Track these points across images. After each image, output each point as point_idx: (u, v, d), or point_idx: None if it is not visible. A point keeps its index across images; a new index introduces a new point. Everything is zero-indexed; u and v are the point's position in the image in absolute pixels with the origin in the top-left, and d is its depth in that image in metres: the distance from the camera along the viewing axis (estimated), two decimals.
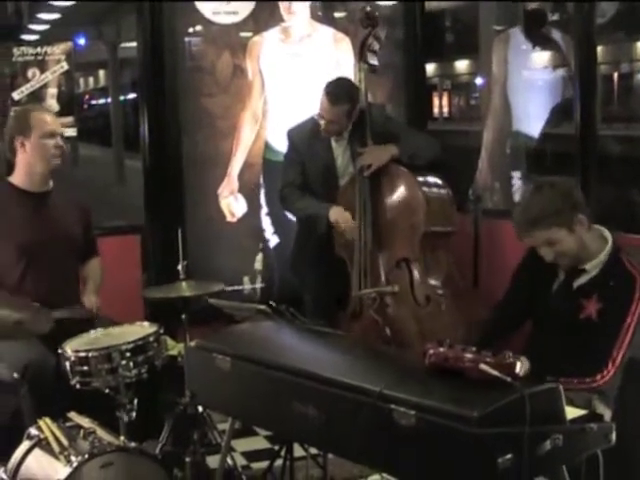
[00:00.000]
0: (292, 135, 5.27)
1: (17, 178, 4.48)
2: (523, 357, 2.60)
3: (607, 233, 3.56)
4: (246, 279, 6.03)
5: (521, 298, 3.79)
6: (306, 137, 5.19)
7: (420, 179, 4.96)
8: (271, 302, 3.87)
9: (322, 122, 5.03)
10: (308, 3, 6.03)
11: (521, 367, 2.57)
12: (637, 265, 3.49)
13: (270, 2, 5.97)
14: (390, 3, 6.39)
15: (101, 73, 35.60)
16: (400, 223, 4.90)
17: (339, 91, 5.01)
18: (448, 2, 20.59)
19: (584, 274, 3.54)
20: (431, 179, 5.05)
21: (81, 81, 34.60)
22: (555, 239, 3.44)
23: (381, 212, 4.93)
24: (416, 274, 4.88)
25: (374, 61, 5.00)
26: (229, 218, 5.99)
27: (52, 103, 5.63)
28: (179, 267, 4.46)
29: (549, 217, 3.42)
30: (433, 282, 4.93)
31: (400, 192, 4.93)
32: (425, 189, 4.93)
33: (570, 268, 3.56)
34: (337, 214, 4.95)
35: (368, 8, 5.12)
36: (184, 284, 4.43)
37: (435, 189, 5.04)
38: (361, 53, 4.99)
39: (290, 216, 5.84)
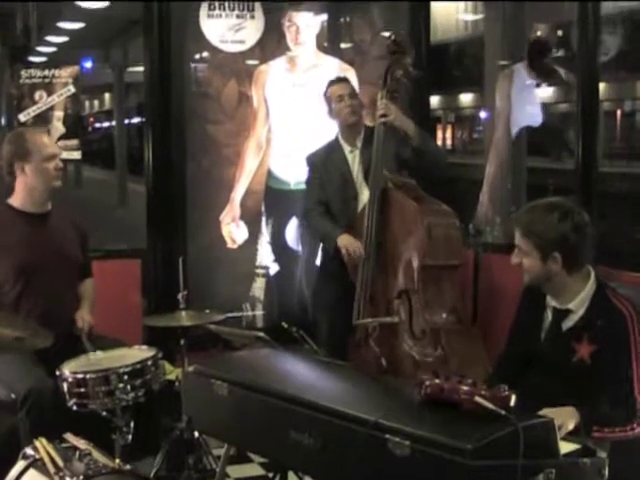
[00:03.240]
0: (310, 157, 5.35)
1: (17, 200, 4.50)
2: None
3: (590, 270, 3.51)
4: (246, 306, 6.04)
5: (522, 351, 3.73)
6: (322, 154, 5.29)
7: (425, 209, 4.93)
8: (283, 323, 3.90)
9: (344, 106, 5.15)
10: (314, 34, 6.07)
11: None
12: (625, 300, 3.44)
13: (277, 32, 6.01)
14: None
15: (106, 96, 35.78)
16: (402, 253, 4.89)
17: (337, 77, 5.40)
18: (454, 35, 20.71)
19: (571, 314, 3.48)
20: (438, 209, 5.00)
21: (86, 104, 34.80)
22: (524, 250, 3.44)
23: (386, 241, 4.93)
24: (416, 307, 4.83)
25: (398, 88, 5.04)
26: (230, 245, 6.01)
27: (58, 125, 5.66)
28: (179, 296, 4.48)
29: (530, 231, 3.41)
30: (433, 316, 4.85)
31: (403, 222, 4.91)
32: (429, 219, 4.88)
33: (555, 310, 3.54)
34: (345, 241, 4.95)
35: (394, 36, 5.13)
36: (184, 313, 4.45)
37: (440, 220, 4.97)
38: (385, 80, 5.02)
39: (291, 244, 5.88)
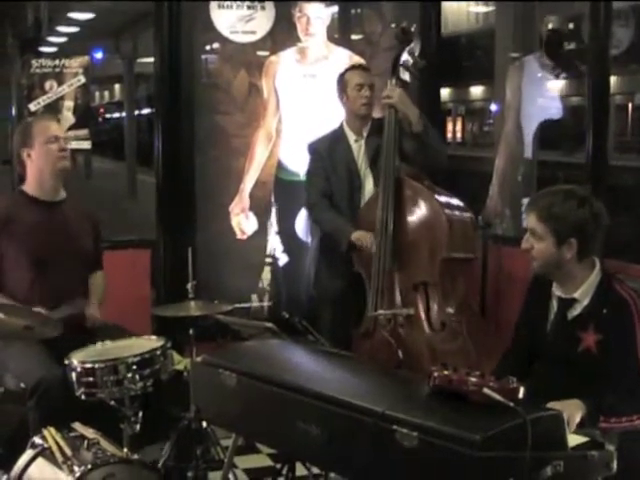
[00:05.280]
0: (313, 145, 5.31)
1: (29, 187, 4.53)
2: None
3: (595, 259, 3.50)
4: (254, 297, 6.05)
5: (528, 345, 3.72)
6: (326, 143, 5.25)
7: (443, 201, 4.90)
8: (284, 313, 3.89)
9: (361, 97, 5.13)
10: (325, 25, 6.06)
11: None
12: (630, 290, 3.44)
13: (288, 22, 6.01)
14: None
15: (117, 87, 35.85)
16: (420, 245, 4.85)
17: (359, 63, 5.52)
18: (465, 28, 20.68)
19: (576, 304, 3.48)
20: (454, 202, 4.98)
21: (96, 94, 34.87)
22: (539, 234, 3.41)
23: (402, 232, 4.88)
24: (433, 299, 4.81)
25: (406, 77, 5.03)
26: (239, 235, 6.01)
27: (68, 115, 5.67)
28: (188, 286, 4.49)
29: (548, 215, 3.39)
30: (449, 308, 4.84)
31: (422, 213, 4.88)
32: (448, 211, 4.85)
33: (561, 299, 3.54)
34: (360, 235, 4.91)
35: (404, 23, 5.14)
36: (193, 303, 4.45)
37: (458, 212, 4.96)
38: (394, 68, 5.01)
39: (300, 235, 5.88)
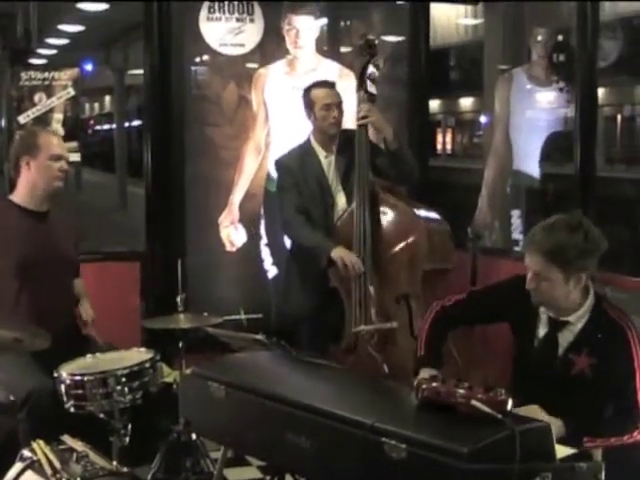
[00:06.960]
0: (281, 161, 5.27)
1: (18, 196, 4.52)
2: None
3: (590, 284, 3.47)
4: (244, 309, 6.04)
5: (478, 315, 3.80)
6: (295, 157, 5.19)
7: (421, 213, 4.92)
8: (261, 334, 3.88)
9: (329, 116, 5.05)
10: (314, 37, 6.07)
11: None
12: (621, 315, 3.43)
13: (277, 35, 6.02)
14: (395, 39, 6.44)
15: (106, 99, 35.82)
16: (401, 258, 4.83)
17: (325, 80, 5.24)
18: (454, 40, 20.71)
19: (569, 326, 3.45)
20: (431, 214, 4.99)
21: (86, 106, 34.84)
22: (546, 276, 3.36)
23: (381, 246, 4.86)
24: (415, 311, 4.79)
25: (373, 89, 4.99)
26: (228, 248, 6.01)
27: (57, 128, 5.67)
28: (178, 299, 4.49)
29: (557, 256, 3.32)
30: None
31: (401, 226, 4.87)
32: (426, 224, 4.87)
33: (552, 320, 3.51)
34: (341, 253, 4.85)
35: (369, 36, 5.10)
36: (182, 316, 4.45)
37: (435, 224, 4.96)
38: (360, 81, 4.97)
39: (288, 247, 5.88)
